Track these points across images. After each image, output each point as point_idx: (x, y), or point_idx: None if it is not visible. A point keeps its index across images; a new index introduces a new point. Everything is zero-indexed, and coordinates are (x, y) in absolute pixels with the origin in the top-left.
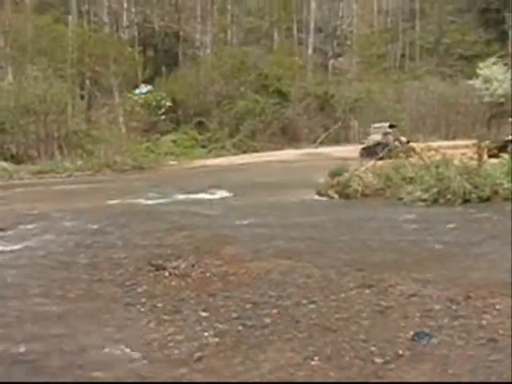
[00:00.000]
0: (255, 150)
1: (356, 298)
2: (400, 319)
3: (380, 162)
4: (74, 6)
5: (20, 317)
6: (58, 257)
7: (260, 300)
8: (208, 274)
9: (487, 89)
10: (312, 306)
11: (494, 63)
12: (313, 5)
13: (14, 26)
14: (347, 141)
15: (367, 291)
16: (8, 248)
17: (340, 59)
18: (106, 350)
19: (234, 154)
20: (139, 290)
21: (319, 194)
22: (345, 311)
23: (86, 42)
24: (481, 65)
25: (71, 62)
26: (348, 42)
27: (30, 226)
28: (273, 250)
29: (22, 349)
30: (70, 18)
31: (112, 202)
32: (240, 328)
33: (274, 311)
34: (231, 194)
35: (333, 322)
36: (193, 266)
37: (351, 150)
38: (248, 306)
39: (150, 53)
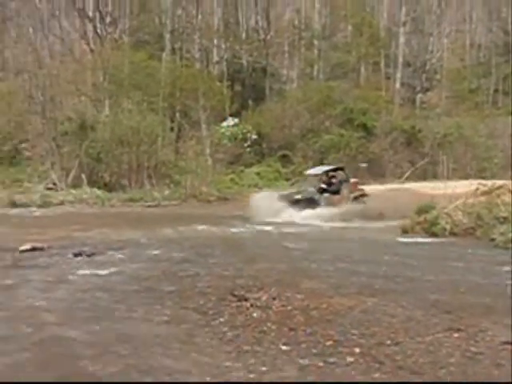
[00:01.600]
0: None
1: (443, 342)
2: (492, 367)
3: (470, 200)
4: (168, 44)
5: (109, 337)
6: (144, 283)
7: (342, 337)
8: (289, 308)
9: None
10: (396, 347)
11: None
12: (401, 39)
13: (113, 62)
14: (435, 177)
15: (456, 335)
16: (98, 272)
17: (428, 94)
18: (192, 375)
19: None
20: (221, 319)
21: (405, 230)
22: (432, 355)
23: (177, 77)
24: None
25: (163, 95)
26: (437, 77)
27: (118, 252)
28: (355, 287)
29: (114, 369)
30: (163, 54)
31: (197, 231)
32: (321, 364)
33: (357, 350)
34: (313, 227)
35: (419, 366)
36: (274, 298)
37: (439, 187)
38: (329, 342)
39: (238, 87)
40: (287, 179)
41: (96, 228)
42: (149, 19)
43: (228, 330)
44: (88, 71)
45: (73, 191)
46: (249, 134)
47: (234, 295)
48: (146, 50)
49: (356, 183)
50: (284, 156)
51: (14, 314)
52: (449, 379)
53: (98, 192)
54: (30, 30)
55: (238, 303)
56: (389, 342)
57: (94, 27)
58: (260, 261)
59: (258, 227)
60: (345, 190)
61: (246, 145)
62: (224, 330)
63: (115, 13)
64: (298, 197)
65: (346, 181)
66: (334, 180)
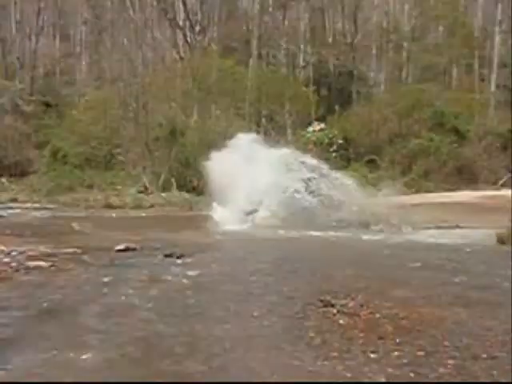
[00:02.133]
0: (428, 191)
1: None
2: None
3: None
4: (255, 50)
5: (199, 337)
6: (232, 284)
7: (433, 348)
8: (377, 316)
9: None
10: (493, 361)
11: None
12: (497, 39)
13: (201, 69)
14: None
15: None
16: (188, 273)
17: None
18: (279, 378)
19: (405, 194)
20: (307, 323)
21: (500, 240)
22: None
23: (263, 83)
24: None
25: (249, 101)
26: None
27: (207, 254)
28: (447, 297)
29: (203, 367)
30: (250, 60)
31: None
32: (412, 375)
33: (450, 362)
34: (399, 234)
35: None
36: (361, 305)
37: None
38: (420, 353)
39: (324, 91)
40: (374, 185)
41: (185, 230)
42: (236, 26)
43: (315, 335)
44: (178, 79)
45: (163, 194)
46: (335, 139)
47: (321, 300)
48: (233, 56)
49: None
50: (371, 161)
51: (110, 311)
52: None
53: (187, 196)
54: (125, 40)
55: (325, 309)
56: (484, 355)
57: (184, 36)
58: (346, 267)
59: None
60: None
61: (331, 150)
62: (311, 334)
63: (204, 21)
64: None
65: None
66: None
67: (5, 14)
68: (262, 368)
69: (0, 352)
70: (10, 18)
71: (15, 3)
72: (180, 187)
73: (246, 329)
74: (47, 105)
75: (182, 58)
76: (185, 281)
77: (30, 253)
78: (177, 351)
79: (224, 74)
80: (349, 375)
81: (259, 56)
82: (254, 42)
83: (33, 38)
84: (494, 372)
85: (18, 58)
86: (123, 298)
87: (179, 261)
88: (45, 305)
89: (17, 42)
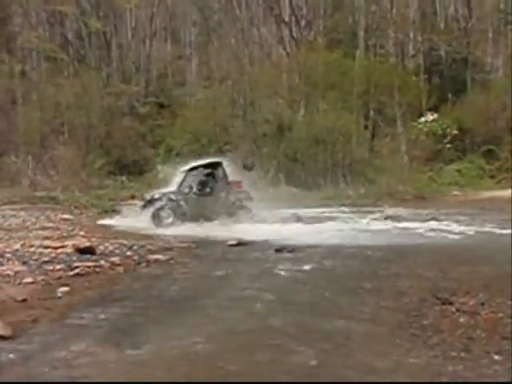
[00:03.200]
0: None
1: None
2: None
3: None
4: (362, 41)
5: (310, 331)
6: (343, 280)
7: None
8: (500, 315)
9: None
10: None
11: None
12: None
13: (308, 64)
14: None
15: None
16: (299, 268)
17: None
18: (397, 375)
19: None
20: (424, 321)
21: None
22: None
23: (371, 74)
24: None
25: (357, 93)
26: None
27: (317, 249)
28: None
29: (314, 361)
30: (357, 52)
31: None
32: None
33: None
34: None
35: None
36: (483, 304)
37: None
38: None
39: (436, 80)
40: (492, 176)
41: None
42: (342, 18)
43: (433, 334)
44: (284, 74)
45: (271, 190)
46: (449, 129)
47: (438, 298)
48: (340, 49)
49: (239, 183)
50: (489, 151)
51: (227, 303)
52: None
53: (295, 190)
54: (232, 39)
55: (442, 307)
56: None
57: (290, 31)
58: (464, 263)
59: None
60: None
61: (445, 141)
62: (428, 333)
63: (310, 15)
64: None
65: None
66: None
67: (121, 21)
68: (380, 364)
69: (130, 337)
70: (126, 24)
71: (131, 10)
72: (288, 182)
73: (360, 325)
74: (161, 106)
75: (288, 54)
76: (295, 275)
77: (149, 247)
78: (289, 345)
79: (330, 68)
80: (470, 375)
81: (366, 47)
82: (361, 33)
83: (147, 42)
84: None
85: (133, 63)
86: (238, 290)
87: (290, 255)
88: (165, 296)
89: (132, 46)
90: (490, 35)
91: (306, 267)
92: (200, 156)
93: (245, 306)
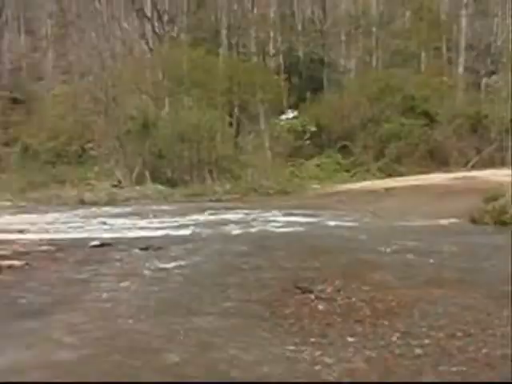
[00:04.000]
0: (401, 174)
1: None
2: None
3: None
4: (225, 39)
5: (174, 330)
6: (208, 276)
7: (409, 329)
8: (354, 300)
9: None
10: (468, 339)
11: None
12: (464, 22)
13: (171, 60)
14: (503, 164)
15: None
16: (164, 266)
17: (494, 77)
18: (261, 365)
19: (379, 178)
20: (286, 311)
21: (472, 220)
22: (505, 348)
23: (235, 72)
24: None
25: (221, 91)
26: (503, 59)
27: (183, 246)
28: (421, 278)
29: (177, 359)
30: (220, 50)
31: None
32: (389, 356)
33: (426, 342)
34: (375, 218)
35: (491, 358)
36: (339, 290)
37: (507, 174)
38: (397, 334)
39: (295, 79)
40: (347, 170)
41: (160, 223)
42: (205, 16)
43: (294, 322)
44: (148, 70)
45: (137, 188)
46: (308, 126)
47: (298, 287)
48: (203, 46)
49: None
50: (344, 147)
51: (84, 307)
52: None
53: (161, 188)
54: (92, 33)
55: (303, 295)
56: (460, 334)
57: (153, 26)
58: (323, 252)
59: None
60: None
61: (305, 137)
62: (290, 321)
63: (172, 11)
64: None
65: None
66: None
67: None
68: (244, 356)
69: None
70: None
71: None
72: (154, 180)
73: (224, 320)
74: (14, 101)
75: (151, 50)
76: (160, 274)
77: (2, 252)
78: (152, 346)
79: (194, 65)
80: (328, 360)
81: (229, 45)
82: (224, 32)
83: None
84: (470, 348)
85: None
86: (99, 293)
87: (155, 254)
88: (18, 305)
89: None
90: (343, 38)
91: (171, 265)
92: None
93: (108, 310)
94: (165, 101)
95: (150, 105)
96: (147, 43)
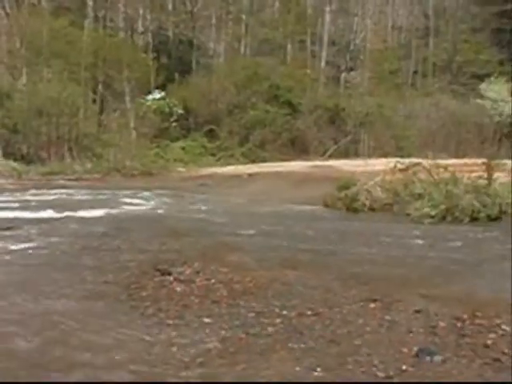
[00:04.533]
0: (264, 160)
1: (360, 312)
2: (405, 335)
3: (388, 177)
4: (91, 11)
5: (25, 313)
6: (62, 257)
7: (264, 309)
8: (213, 281)
9: (495, 108)
10: (316, 317)
11: (493, 82)
12: (327, 18)
13: (30, 28)
14: (357, 155)
15: (372, 305)
16: (14, 247)
17: (352, 73)
18: (113, 350)
19: (243, 163)
20: (143, 293)
21: (326, 205)
22: (349, 324)
23: (100, 47)
24: (482, 85)
25: (85, 65)
26: (361, 57)
27: (37, 226)
28: (278, 260)
29: (32, 345)
30: (86, 22)
31: (118, 207)
32: (243, 336)
33: (278, 321)
34: (236, 202)
35: (337, 335)
36: (198, 272)
37: (360, 164)
38: (251, 314)
39: (164, 59)
40: (213, 154)
41: (13, 201)
42: None
43: (151, 304)
44: (3, 37)
45: None
46: (175, 108)
47: (157, 269)
48: (67, 16)
49: None
50: (210, 131)
51: None
52: (364, 348)
53: (14, 164)
54: None
55: (162, 277)
56: (309, 312)
57: None
58: (184, 235)
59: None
60: None
61: (171, 119)
62: (146, 304)
63: None
64: None
65: None
66: None
67: None
68: (100, 340)
69: None
70: None
71: None
72: (7, 155)
73: (78, 303)
74: None
75: (7, 15)
76: (10, 256)
77: None
78: (4, 330)
79: (56, 35)
80: (183, 341)
81: (96, 18)
82: (90, 3)
83: None
84: (317, 327)
85: None
86: None
87: (4, 234)
88: None
89: None
90: (214, 22)
91: (22, 246)
92: None
93: None
94: (22, 71)
95: (4, 74)
96: (4, 7)
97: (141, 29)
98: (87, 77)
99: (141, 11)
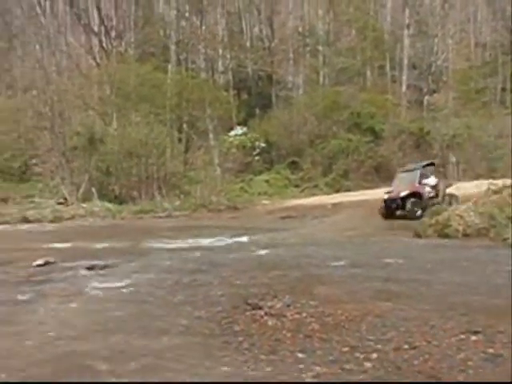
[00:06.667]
0: (348, 189)
1: (461, 345)
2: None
3: (482, 200)
4: (173, 55)
5: (125, 350)
6: (157, 293)
7: (358, 344)
8: (304, 315)
9: None
10: (414, 351)
11: None
12: (406, 42)
13: (119, 75)
14: (446, 178)
15: (473, 338)
16: (111, 285)
17: (435, 95)
18: None
19: (327, 194)
20: (236, 328)
21: (416, 234)
22: (450, 359)
23: (183, 88)
24: None
25: (170, 107)
26: (444, 78)
27: (131, 264)
28: (369, 292)
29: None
30: (169, 66)
31: (205, 240)
32: (339, 371)
33: (374, 355)
34: (322, 233)
35: (437, 370)
36: (288, 305)
37: (451, 188)
38: (345, 349)
39: (244, 96)
40: (297, 185)
41: (107, 240)
42: (154, 31)
43: (244, 340)
44: (95, 85)
45: (83, 205)
46: (257, 142)
47: (248, 303)
48: (151, 62)
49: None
50: (293, 163)
51: (27, 329)
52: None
53: (109, 205)
54: (37, 46)
55: (253, 311)
56: (406, 346)
57: (100, 41)
58: (272, 268)
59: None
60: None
61: (254, 153)
62: (239, 339)
63: (120, 26)
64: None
65: None
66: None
67: None
68: (193, 377)
69: None
70: None
71: None
72: (101, 197)
73: (174, 338)
74: None
75: (98, 65)
76: (107, 293)
77: None
78: (101, 368)
79: (142, 80)
80: (280, 377)
81: (178, 61)
82: (173, 47)
83: None
84: (415, 362)
85: None
86: (43, 314)
87: (102, 272)
88: None
89: None
90: (291, 55)
91: (118, 284)
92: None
93: (51, 331)
94: (112, 116)
95: (96, 120)
96: (94, 58)
97: (221, 68)
98: (172, 117)
99: (220, 51)
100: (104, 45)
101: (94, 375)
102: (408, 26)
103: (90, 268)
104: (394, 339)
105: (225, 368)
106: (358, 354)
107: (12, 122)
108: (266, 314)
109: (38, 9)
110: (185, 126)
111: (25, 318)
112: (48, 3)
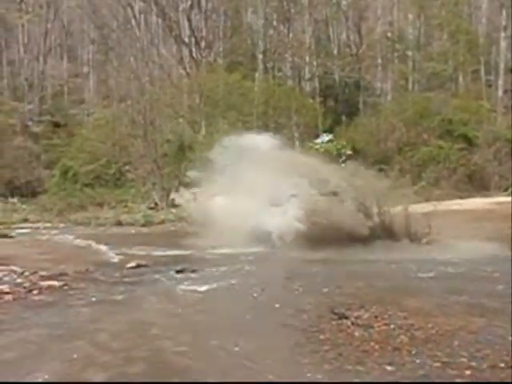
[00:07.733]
0: (438, 199)
1: None
2: None
3: None
4: (261, 63)
5: (214, 354)
6: (243, 298)
7: (450, 359)
8: (392, 327)
9: None
10: (510, 370)
11: None
12: (502, 45)
13: (208, 84)
14: None
15: None
16: (199, 288)
17: None
18: None
19: (416, 203)
20: (322, 336)
21: None
22: None
23: (270, 96)
24: None
25: (257, 114)
26: None
27: (217, 268)
28: (462, 306)
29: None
30: (256, 74)
31: None
32: None
33: (467, 372)
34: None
35: None
36: (376, 317)
37: None
38: (437, 364)
39: (331, 103)
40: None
41: (194, 245)
42: (241, 41)
43: (330, 349)
44: (185, 94)
45: (173, 210)
46: (343, 150)
47: (335, 313)
48: (239, 70)
49: None
50: (380, 170)
51: (126, 329)
52: None
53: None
54: (131, 58)
55: (339, 321)
56: (502, 365)
57: (190, 52)
58: (359, 278)
59: None
60: None
61: (340, 160)
62: (325, 348)
63: (209, 37)
64: None
65: None
66: None
67: (12, 35)
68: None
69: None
70: (18, 39)
71: (22, 26)
72: None
73: (261, 342)
74: (56, 125)
75: (188, 74)
76: (196, 296)
77: (42, 272)
78: (189, 367)
79: (230, 89)
80: None
81: (265, 69)
82: (260, 56)
83: (41, 59)
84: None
85: (26, 80)
86: (138, 314)
87: (191, 275)
88: (57, 326)
89: (25, 63)
90: (379, 61)
91: (206, 287)
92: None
93: (145, 331)
94: (201, 124)
95: (186, 128)
96: (184, 68)
97: (308, 75)
98: (259, 125)
99: (307, 58)
100: (194, 55)
101: (184, 373)
102: (505, 28)
103: (179, 271)
104: (488, 357)
105: (311, 375)
106: (450, 371)
107: (108, 130)
108: (352, 323)
109: (133, 22)
110: (271, 133)
111: (119, 317)
112: (142, 16)
